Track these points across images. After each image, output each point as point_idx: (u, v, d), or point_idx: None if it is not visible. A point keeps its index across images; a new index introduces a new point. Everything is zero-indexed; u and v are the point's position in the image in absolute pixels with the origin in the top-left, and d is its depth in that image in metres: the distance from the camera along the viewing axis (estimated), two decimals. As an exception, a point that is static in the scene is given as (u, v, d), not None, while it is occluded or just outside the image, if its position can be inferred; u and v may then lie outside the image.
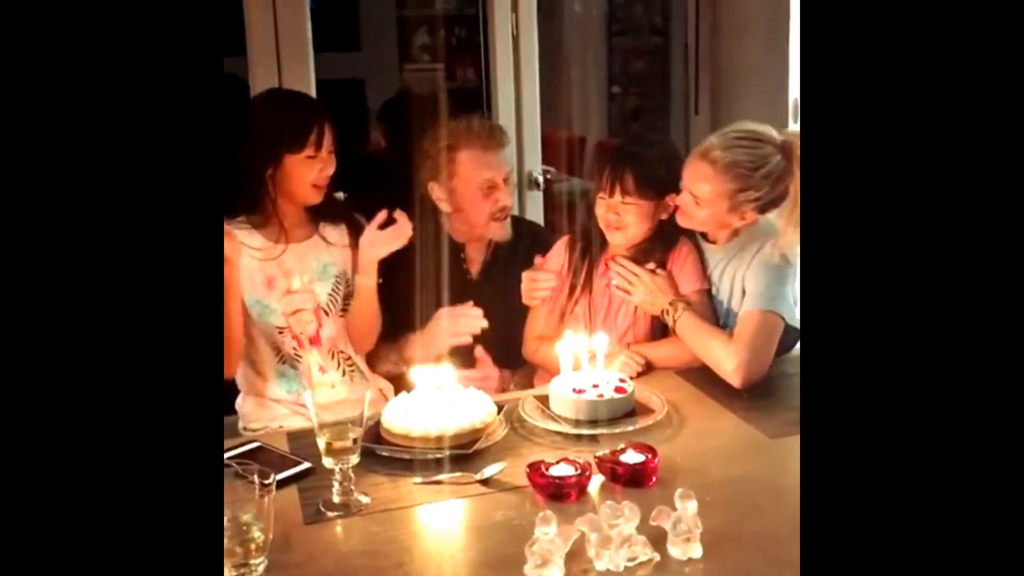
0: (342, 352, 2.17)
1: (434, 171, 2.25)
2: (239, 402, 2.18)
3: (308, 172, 2.02)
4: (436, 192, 2.26)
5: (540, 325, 2.20)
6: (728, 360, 1.91)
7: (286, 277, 2.08)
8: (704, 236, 2.13)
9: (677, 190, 2.04)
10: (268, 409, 2.13)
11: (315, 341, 2.13)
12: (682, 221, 2.07)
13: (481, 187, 2.21)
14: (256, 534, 1.25)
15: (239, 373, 2.14)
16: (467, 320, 2.15)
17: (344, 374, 2.16)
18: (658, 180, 2.04)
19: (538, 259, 2.23)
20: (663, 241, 2.11)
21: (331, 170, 2.06)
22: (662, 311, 2.05)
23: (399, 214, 2.07)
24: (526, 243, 2.36)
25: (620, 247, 2.12)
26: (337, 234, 2.16)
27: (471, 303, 2.17)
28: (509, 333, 2.23)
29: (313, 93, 2.79)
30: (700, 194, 1.98)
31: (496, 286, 2.27)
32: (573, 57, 4.24)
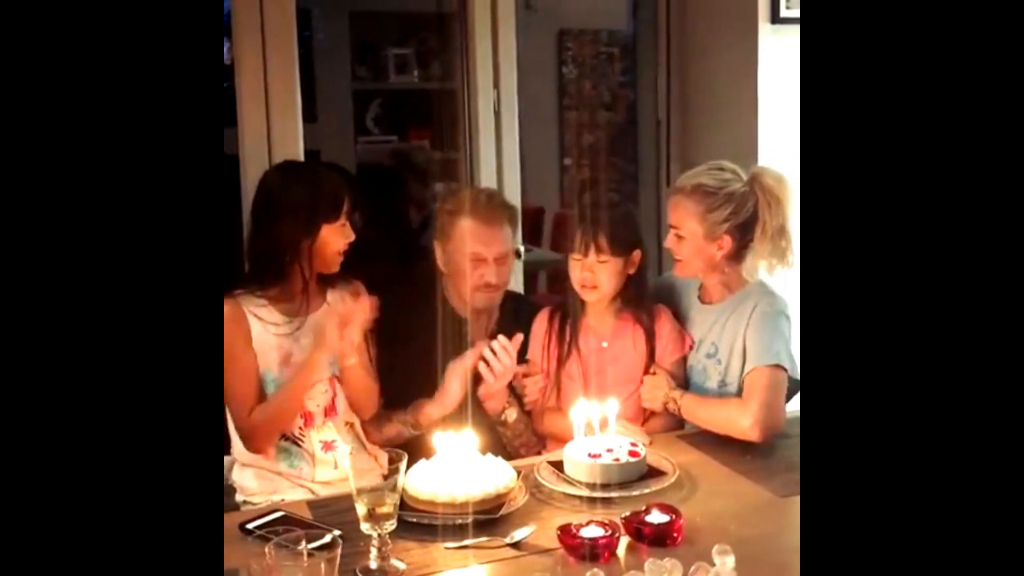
0: (349, 423, 2.19)
1: (439, 231, 2.32)
2: (236, 475, 2.17)
3: (339, 240, 2.07)
4: (438, 252, 2.32)
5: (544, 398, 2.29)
6: (743, 417, 2.01)
7: (303, 351, 2.08)
8: (700, 297, 2.25)
9: (639, 246, 2.20)
10: (269, 482, 2.12)
11: (331, 411, 2.14)
12: (677, 270, 2.23)
13: (470, 258, 2.24)
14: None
15: (237, 447, 2.13)
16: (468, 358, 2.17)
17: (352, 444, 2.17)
18: (624, 237, 2.18)
19: (511, 339, 2.18)
20: (636, 301, 2.23)
21: (353, 236, 2.10)
22: (664, 404, 2.16)
23: (354, 299, 2.08)
24: (524, 318, 2.37)
25: (594, 305, 2.23)
26: (343, 303, 2.17)
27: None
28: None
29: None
30: (678, 224, 2.15)
31: None
32: (529, 130, 4.38)
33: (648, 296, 2.26)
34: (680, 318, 2.28)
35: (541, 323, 2.31)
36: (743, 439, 2.01)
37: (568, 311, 2.27)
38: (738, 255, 2.18)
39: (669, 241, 2.19)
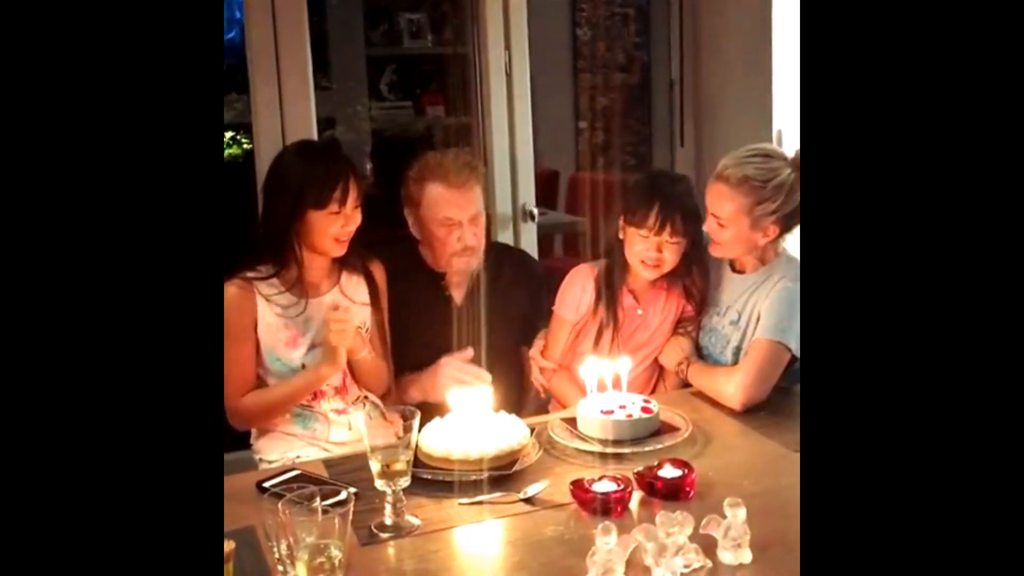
0: (363, 395, 2.22)
1: (407, 198, 2.30)
2: (253, 436, 2.20)
3: (330, 227, 2.02)
4: (409, 219, 2.31)
5: (558, 358, 2.29)
6: (728, 384, 2.01)
7: (311, 334, 2.09)
8: (732, 266, 2.22)
9: (701, 220, 2.14)
10: (284, 442, 2.15)
11: (342, 390, 2.16)
12: (715, 251, 2.16)
13: (442, 223, 2.23)
14: (335, 552, 1.28)
15: None
16: (472, 374, 2.17)
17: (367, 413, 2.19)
18: (697, 215, 2.14)
19: (539, 341, 2.31)
20: (685, 274, 2.21)
21: (354, 225, 2.06)
22: (677, 364, 2.19)
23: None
24: (509, 269, 2.42)
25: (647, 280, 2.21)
26: (356, 289, 2.17)
27: (470, 349, 2.22)
28: (490, 358, 2.26)
29: (314, 131, 2.84)
30: (722, 214, 2.08)
31: (479, 312, 2.31)
32: (543, 93, 4.37)
33: (701, 265, 2.22)
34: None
35: (581, 283, 2.25)
36: (727, 405, 2.01)
37: (613, 274, 2.22)
38: (780, 236, 2.12)
39: (709, 226, 2.11)
